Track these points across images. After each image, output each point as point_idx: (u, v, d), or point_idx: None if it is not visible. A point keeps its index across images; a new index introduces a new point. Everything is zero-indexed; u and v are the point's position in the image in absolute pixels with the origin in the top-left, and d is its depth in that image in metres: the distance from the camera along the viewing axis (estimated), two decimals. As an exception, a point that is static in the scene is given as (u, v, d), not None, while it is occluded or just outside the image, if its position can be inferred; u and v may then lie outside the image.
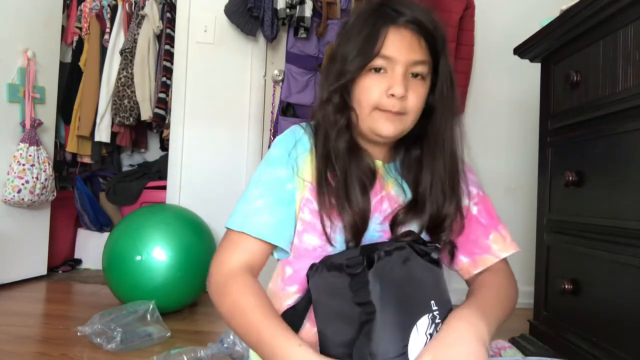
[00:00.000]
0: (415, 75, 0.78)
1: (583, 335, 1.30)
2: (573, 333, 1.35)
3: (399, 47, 0.77)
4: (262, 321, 0.71)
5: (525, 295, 2.23)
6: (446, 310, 0.74)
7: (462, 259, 0.87)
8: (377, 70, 0.78)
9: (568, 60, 1.44)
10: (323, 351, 0.72)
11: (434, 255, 0.76)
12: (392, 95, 0.76)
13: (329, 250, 0.80)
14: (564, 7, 1.41)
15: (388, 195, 0.84)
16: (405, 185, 0.85)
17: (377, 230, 0.82)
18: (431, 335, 0.70)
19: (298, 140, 0.83)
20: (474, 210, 0.88)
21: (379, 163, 0.85)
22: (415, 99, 0.78)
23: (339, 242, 0.79)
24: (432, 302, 0.72)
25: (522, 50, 1.64)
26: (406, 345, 0.68)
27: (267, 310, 0.72)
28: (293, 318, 0.76)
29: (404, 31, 0.77)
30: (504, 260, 0.87)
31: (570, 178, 1.34)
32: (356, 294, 0.70)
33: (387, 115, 0.78)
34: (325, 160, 0.80)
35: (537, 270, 1.57)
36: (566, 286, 1.35)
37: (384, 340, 0.67)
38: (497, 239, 0.87)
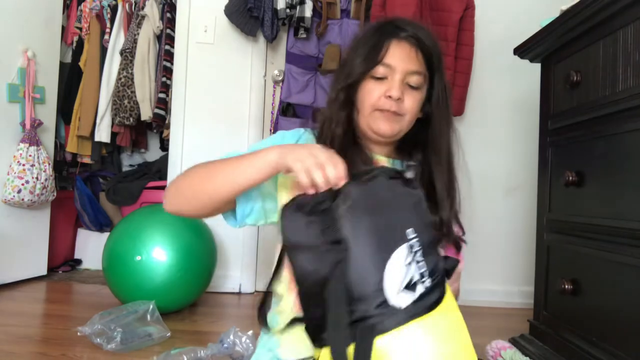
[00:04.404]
0: (411, 87, 0.90)
1: (583, 335, 1.30)
2: (573, 333, 1.35)
3: (399, 57, 0.89)
4: (224, 159, 0.83)
5: (525, 295, 2.27)
6: (427, 236, 0.71)
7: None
8: (379, 79, 0.90)
9: (568, 60, 1.44)
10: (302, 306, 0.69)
11: (408, 175, 0.75)
12: (390, 97, 0.88)
13: None
14: (564, 7, 1.41)
15: None
16: None
17: None
18: (409, 264, 0.67)
19: (301, 135, 0.96)
20: None
21: (382, 158, 0.95)
22: (411, 102, 0.90)
23: None
24: (410, 229, 0.69)
25: (522, 51, 1.64)
26: (382, 280, 0.65)
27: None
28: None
29: (404, 44, 0.90)
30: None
31: (570, 178, 1.34)
32: (325, 232, 0.67)
33: (385, 115, 0.90)
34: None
35: (537, 270, 1.57)
36: (566, 286, 1.35)
37: (359, 277, 0.65)
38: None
